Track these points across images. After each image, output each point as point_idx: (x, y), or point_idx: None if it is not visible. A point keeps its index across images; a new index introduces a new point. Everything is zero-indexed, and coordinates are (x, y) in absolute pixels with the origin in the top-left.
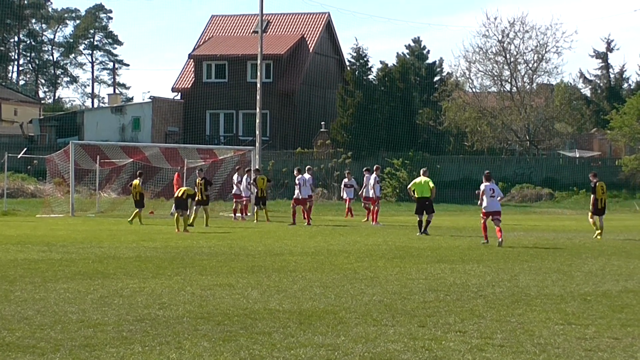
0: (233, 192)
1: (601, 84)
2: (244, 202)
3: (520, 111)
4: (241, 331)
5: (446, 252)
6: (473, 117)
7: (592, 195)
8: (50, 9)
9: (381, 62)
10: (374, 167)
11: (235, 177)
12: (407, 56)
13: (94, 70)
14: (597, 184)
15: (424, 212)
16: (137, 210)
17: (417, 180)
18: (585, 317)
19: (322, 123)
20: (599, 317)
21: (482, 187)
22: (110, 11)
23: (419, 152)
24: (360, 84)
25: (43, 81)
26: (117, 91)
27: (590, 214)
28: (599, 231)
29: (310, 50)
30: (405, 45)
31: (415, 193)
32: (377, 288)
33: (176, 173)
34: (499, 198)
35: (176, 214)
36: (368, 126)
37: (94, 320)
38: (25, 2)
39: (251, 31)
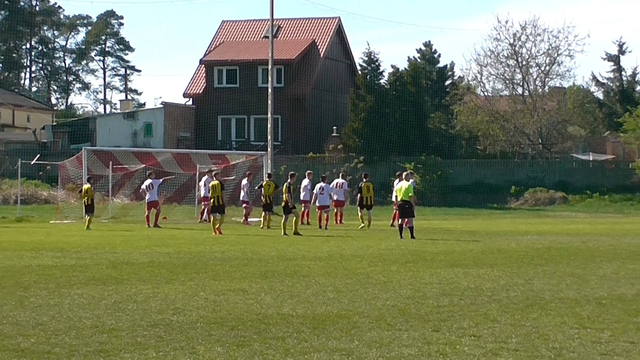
0: (241, 197)
1: (613, 87)
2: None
3: (533, 114)
4: (255, 336)
5: (459, 256)
6: (485, 120)
7: (359, 194)
8: (62, 16)
9: (392, 66)
10: (397, 174)
11: (244, 182)
12: (419, 60)
13: (105, 76)
14: (363, 184)
15: (405, 217)
16: (89, 215)
17: (397, 186)
18: (600, 321)
19: (334, 127)
20: (614, 321)
21: (317, 187)
22: (122, 17)
23: (431, 156)
24: (372, 88)
25: (55, 88)
26: (129, 97)
27: (359, 208)
28: (367, 223)
29: (321, 55)
30: (417, 49)
31: (397, 197)
32: (390, 292)
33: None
34: (329, 194)
35: (212, 218)
36: (380, 130)
37: (108, 325)
38: (37, 9)
39: (262, 36)
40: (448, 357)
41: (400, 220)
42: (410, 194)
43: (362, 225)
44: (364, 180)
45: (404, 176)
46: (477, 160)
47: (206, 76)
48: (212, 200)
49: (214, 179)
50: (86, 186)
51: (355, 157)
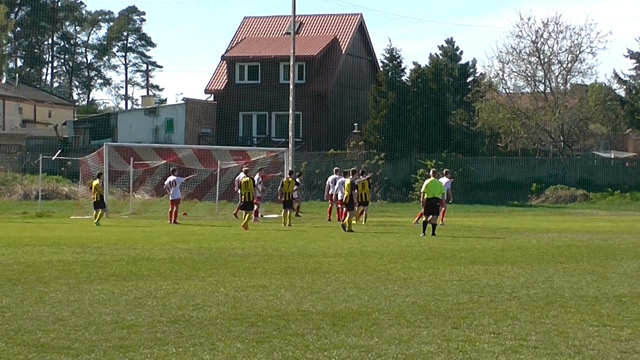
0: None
1: (636, 84)
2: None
3: (554, 112)
4: (274, 332)
5: (480, 253)
6: (506, 118)
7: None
8: (83, 12)
9: (414, 63)
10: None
11: (255, 177)
12: (440, 57)
13: (127, 72)
14: (359, 182)
15: (431, 214)
16: (99, 211)
17: (428, 181)
18: (620, 318)
19: (355, 124)
20: (635, 319)
21: (338, 181)
22: (144, 13)
23: (452, 154)
24: (393, 85)
25: (77, 83)
26: (150, 93)
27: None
28: (363, 219)
29: (343, 52)
30: (438, 46)
31: (427, 194)
32: (410, 289)
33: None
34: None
35: (244, 213)
36: (401, 127)
37: (128, 321)
38: (59, 4)
39: (284, 32)
40: (467, 354)
41: (425, 216)
42: (443, 192)
43: (363, 219)
44: (361, 177)
45: (432, 173)
46: (499, 158)
47: (228, 72)
48: (242, 196)
49: (247, 175)
50: (95, 182)
51: (376, 154)
